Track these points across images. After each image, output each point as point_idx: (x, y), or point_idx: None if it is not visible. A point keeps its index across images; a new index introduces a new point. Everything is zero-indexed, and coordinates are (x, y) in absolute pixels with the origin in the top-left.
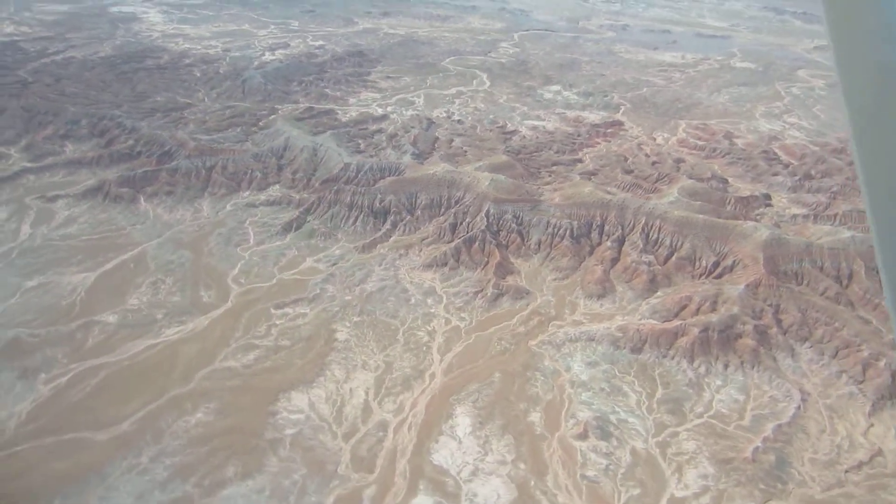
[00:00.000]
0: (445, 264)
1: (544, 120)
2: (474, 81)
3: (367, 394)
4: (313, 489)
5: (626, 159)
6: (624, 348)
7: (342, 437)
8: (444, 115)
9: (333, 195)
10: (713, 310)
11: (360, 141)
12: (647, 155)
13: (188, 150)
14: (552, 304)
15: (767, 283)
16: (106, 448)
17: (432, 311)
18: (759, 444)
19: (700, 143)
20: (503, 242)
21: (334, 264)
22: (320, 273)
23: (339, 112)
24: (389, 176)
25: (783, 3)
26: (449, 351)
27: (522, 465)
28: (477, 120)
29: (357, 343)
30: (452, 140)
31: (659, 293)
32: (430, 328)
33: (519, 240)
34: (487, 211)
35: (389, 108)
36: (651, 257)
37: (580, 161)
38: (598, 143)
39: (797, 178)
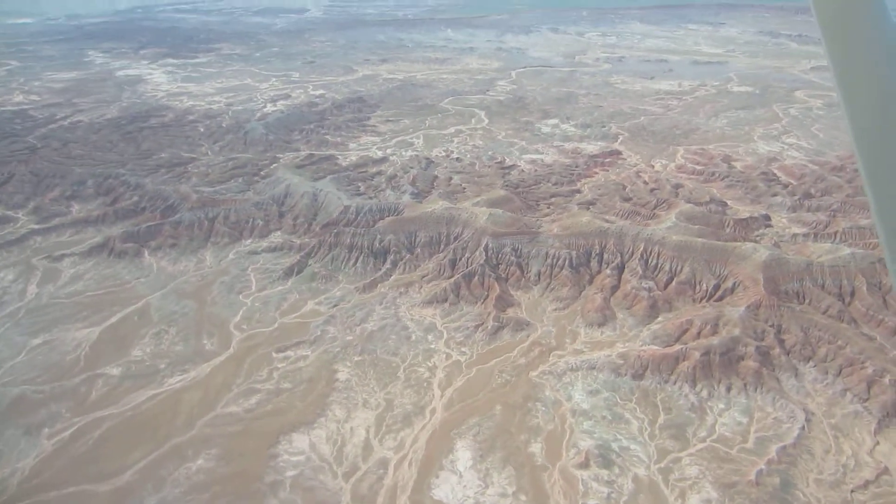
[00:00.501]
0: (446, 300)
1: (542, 153)
2: (472, 120)
3: (367, 432)
4: None
5: (624, 187)
6: (625, 375)
7: (343, 476)
8: (443, 154)
9: (334, 238)
10: (714, 333)
11: (359, 184)
12: (645, 182)
13: (191, 203)
14: (553, 334)
15: (768, 303)
16: (108, 500)
17: (433, 346)
18: (763, 467)
19: (698, 167)
20: (503, 275)
21: (335, 306)
22: (321, 315)
23: (339, 157)
24: (389, 216)
25: (778, 26)
26: (450, 386)
27: (523, 497)
28: (475, 157)
29: (358, 382)
30: (451, 178)
31: (660, 318)
32: (430, 364)
33: (518, 272)
34: (486, 245)
35: (389, 151)
36: (651, 283)
37: (578, 191)
38: (597, 173)
39: (796, 197)
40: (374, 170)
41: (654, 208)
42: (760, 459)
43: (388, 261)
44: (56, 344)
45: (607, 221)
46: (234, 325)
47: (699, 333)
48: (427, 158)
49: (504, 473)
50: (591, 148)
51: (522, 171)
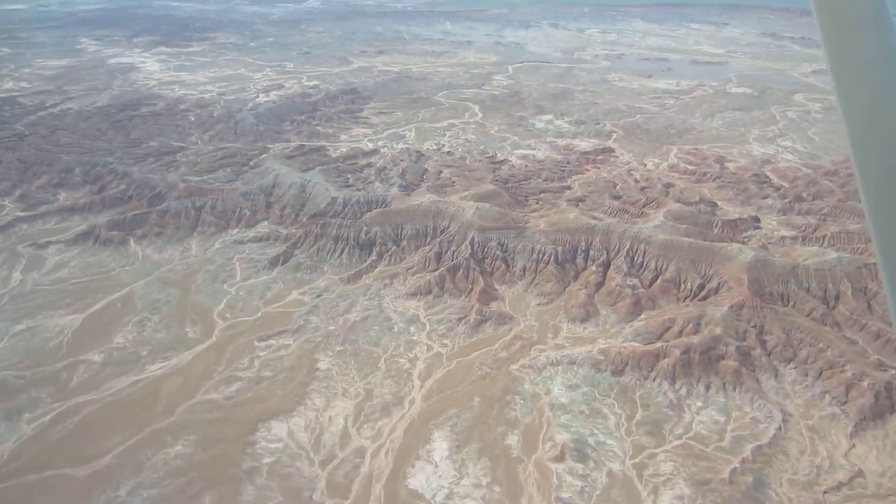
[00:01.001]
0: (430, 292)
1: (535, 149)
2: (466, 114)
3: (346, 421)
4: None
5: (614, 185)
6: (605, 371)
7: (319, 464)
8: (434, 147)
9: (320, 229)
10: (696, 332)
11: (349, 175)
12: (636, 180)
13: (178, 192)
14: (535, 328)
15: (752, 304)
16: (86, 483)
17: (415, 338)
18: (738, 466)
19: (691, 167)
20: (488, 269)
21: (319, 296)
22: (305, 305)
23: (329, 148)
24: (376, 208)
25: (781, 28)
26: (430, 377)
27: (497, 488)
28: (467, 151)
29: (339, 372)
30: (441, 171)
31: (643, 316)
32: (411, 355)
33: (503, 266)
34: (472, 239)
35: (380, 143)
36: (636, 281)
37: (568, 188)
38: (588, 170)
39: (787, 200)
40: (364, 162)
41: (644, 207)
42: (735, 458)
43: (374, 252)
44: (39, 330)
45: (595, 219)
46: (218, 314)
47: (681, 332)
48: (418, 151)
49: (479, 464)
50: (584, 145)
51: (513, 166)
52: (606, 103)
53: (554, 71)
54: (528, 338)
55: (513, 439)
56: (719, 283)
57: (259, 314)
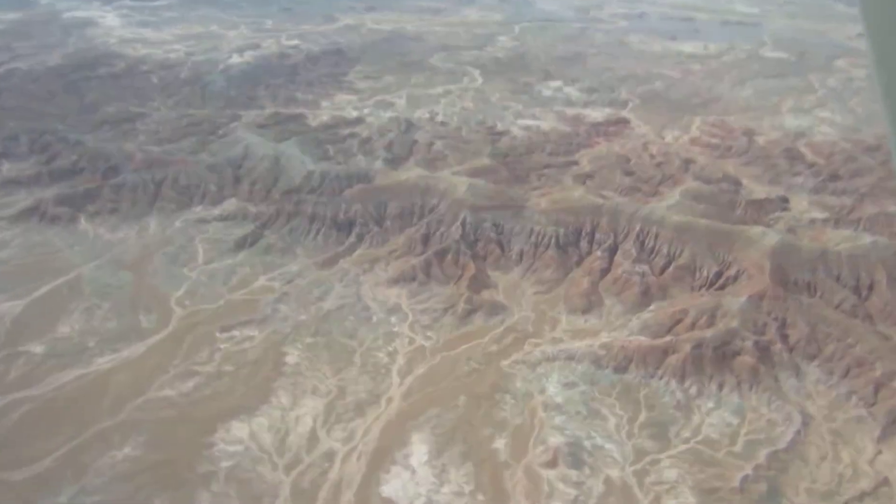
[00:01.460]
0: (414, 279)
1: (540, 119)
2: (465, 79)
3: (314, 421)
4: None
5: (627, 160)
6: (607, 368)
7: (283, 468)
8: (427, 116)
9: (293, 207)
10: (711, 324)
11: (328, 147)
12: (652, 155)
13: (136, 164)
14: (531, 320)
15: (774, 294)
16: (23, 488)
17: (396, 329)
18: (750, 473)
19: (715, 141)
20: (480, 254)
21: (290, 282)
22: (274, 292)
23: (308, 117)
24: (358, 184)
25: None
26: (410, 373)
27: (481, 497)
28: (463, 121)
29: (308, 366)
30: (433, 143)
31: (652, 307)
32: (391, 348)
33: (498, 250)
34: (463, 219)
35: (366, 111)
36: (645, 267)
37: (575, 163)
38: (599, 144)
39: (821, 178)
40: (347, 132)
41: (659, 185)
42: (748, 464)
43: (353, 234)
44: None
45: (603, 197)
46: (176, 301)
47: (693, 324)
48: (408, 121)
49: (462, 470)
50: (596, 115)
51: (514, 138)
52: (623, 68)
53: (565, 31)
54: (523, 330)
55: (500, 442)
56: (739, 271)
57: (222, 302)
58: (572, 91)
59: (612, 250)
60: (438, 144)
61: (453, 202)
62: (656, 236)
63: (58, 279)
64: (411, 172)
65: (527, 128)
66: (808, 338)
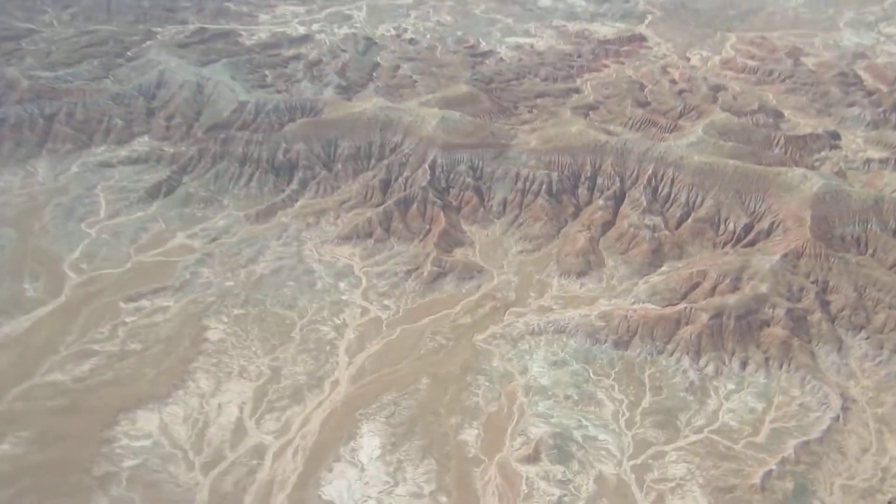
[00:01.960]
0: (370, 235)
1: (534, 36)
2: None
3: (241, 410)
4: None
5: (642, 87)
6: (605, 342)
7: (201, 468)
8: (393, 33)
9: (221, 146)
10: (735, 289)
11: (266, 72)
12: (673, 81)
13: (21, 93)
14: (514, 284)
15: (814, 251)
16: None
17: (345, 297)
18: (774, 468)
19: (753, 63)
20: (453, 203)
21: (214, 239)
22: (194, 252)
23: (242, 34)
24: (302, 117)
25: None
26: (362, 350)
27: (443, 499)
28: (438, 39)
29: (235, 343)
30: (399, 66)
31: (664, 268)
32: (339, 321)
33: (476, 199)
34: (433, 161)
35: (315, 27)
36: (657, 219)
37: (577, 91)
38: (608, 67)
39: (881, 109)
40: (291, 52)
41: (679, 117)
42: (772, 457)
43: (296, 179)
44: None
45: (608, 133)
46: (70, 265)
47: (714, 289)
48: (368, 39)
49: (422, 467)
50: (606, 31)
51: (501, 60)
52: None
53: None
54: (503, 298)
55: (470, 434)
56: (773, 223)
57: (128, 265)
58: (577, 0)
59: (618, 199)
60: (405, 68)
61: (421, 140)
62: (672, 181)
63: None
64: (370, 103)
65: (517, 47)
66: (854, 305)
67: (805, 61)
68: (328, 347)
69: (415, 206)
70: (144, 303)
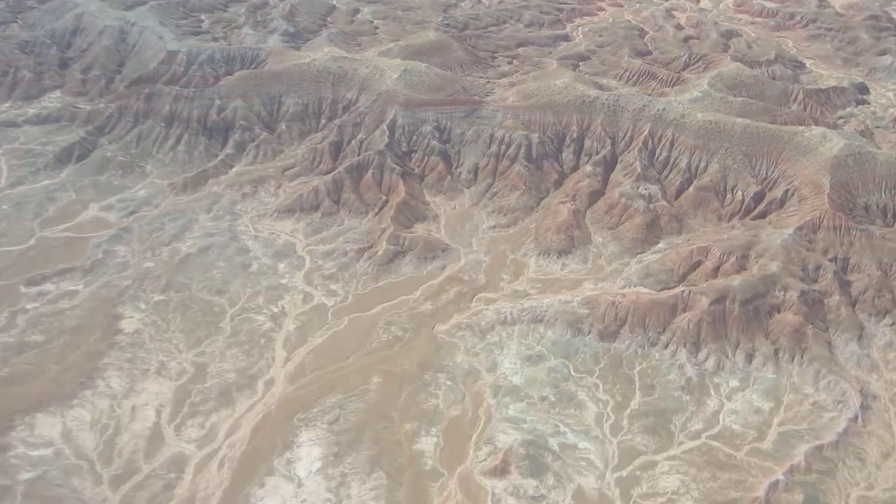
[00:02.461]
0: (316, 208)
1: None
2: None
3: (158, 414)
4: None
5: (642, 34)
6: (589, 333)
7: (110, 482)
8: None
9: (145, 103)
10: (742, 269)
11: (202, 16)
12: (678, 26)
13: None
14: (484, 265)
15: (833, 223)
16: None
17: (285, 281)
18: (781, 478)
19: (771, 5)
20: (415, 171)
21: (134, 212)
22: (109, 227)
23: None
24: (241, 69)
25: None
26: (303, 344)
27: None
28: None
29: (154, 335)
30: (358, 10)
31: (661, 244)
32: (277, 309)
33: (442, 166)
34: (393, 121)
35: None
36: (654, 188)
37: (565, 38)
38: (603, 10)
39: None
40: None
41: (684, 69)
42: (779, 466)
43: (231, 142)
44: None
45: (600, 87)
46: None
47: (717, 269)
48: None
49: (370, 482)
50: None
51: (479, 2)
52: None
53: None
54: (471, 281)
55: (428, 443)
56: (787, 191)
57: (31, 242)
58: None
59: (608, 164)
60: (366, 11)
61: (379, 96)
62: (672, 143)
63: None
64: (320, 52)
65: None
66: (878, 285)
67: (832, 2)
68: (263, 340)
69: (370, 173)
70: (49, 286)
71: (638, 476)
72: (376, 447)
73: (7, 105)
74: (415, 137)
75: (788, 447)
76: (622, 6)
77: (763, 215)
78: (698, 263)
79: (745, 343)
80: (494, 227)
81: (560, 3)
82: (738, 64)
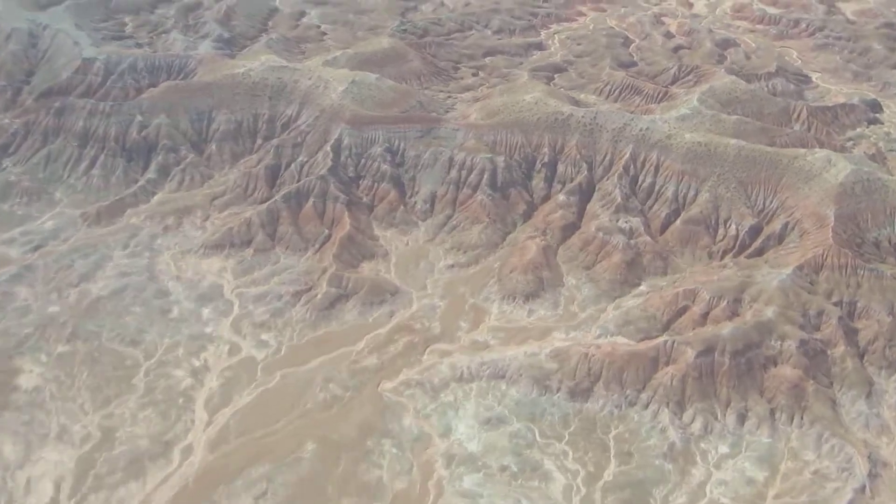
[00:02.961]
0: (248, 243)
1: None
2: None
3: (57, 488)
4: None
5: (626, 43)
6: (558, 391)
7: None
8: None
9: (55, 119)
10: (734, 314)
11: (126, 18)
12: (668, 35)
13: None
14: (439, 311)
15: (838, 262)
16: None
17: (209, 330)
18: None
19: (773, 11)
20: (363, 200)
21: (39, 247)
22: (9, 265)
23: None
24: (167, 80)
25: None
26: (227, 404)
27: None
28: None
29: (56, 394)
30: (304, 13)
31: (642, 287)
32: (198, 362)
33: (394, 194)
34: (338, 141)
35: None
36: (636, 221)
37: (540, 47)
38: (583, 16)
39: None
40: None
41: (673, 82)
42: None
43: (153, 166)
44: None
45: (576, 103)
46: None
47: (705, 316)
48: None
49: None
50: None
51: (442, 4)
52: None
53: None
54: (423, 330)
55: None
56: (787, 225)
57: None
58: None
59: (585, 193)
60: (313, 15)
61: (323, 112)
62: (657, 169)
63: None
64: (257, 61)
65: None
66: (889, 334)
67: (842, 8)
68: (181, 400)
69: (311, 202)
70: None
71: None
72: None
73: None
74: (363, 161)
75: None
76: (605, 11)
77: (759, 252)
78: (685, 309)
79: (737, 402)
80: (452, 266)
81: (534, 7)
82: (734, 77)
